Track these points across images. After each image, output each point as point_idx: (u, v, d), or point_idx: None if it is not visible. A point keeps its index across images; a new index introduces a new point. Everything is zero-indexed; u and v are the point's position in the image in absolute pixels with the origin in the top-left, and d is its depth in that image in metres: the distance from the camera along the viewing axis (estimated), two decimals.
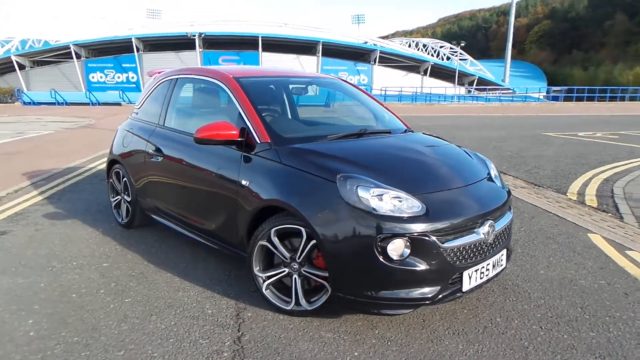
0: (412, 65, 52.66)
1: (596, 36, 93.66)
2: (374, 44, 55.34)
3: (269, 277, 2.85)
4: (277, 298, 2.85)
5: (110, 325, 2.72)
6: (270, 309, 2.89)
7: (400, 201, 2.51)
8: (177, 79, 3.95)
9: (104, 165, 7.76)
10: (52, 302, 3.00)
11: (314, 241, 2.63)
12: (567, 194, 6.07)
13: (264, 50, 45.97)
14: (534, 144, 11.01)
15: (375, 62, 50.22)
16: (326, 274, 2.65)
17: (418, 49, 66.38)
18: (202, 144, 3.09)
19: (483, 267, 2.71)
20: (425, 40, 76.16)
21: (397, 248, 2.42)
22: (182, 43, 44.29)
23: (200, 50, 44.00)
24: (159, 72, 4.42)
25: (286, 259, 2.76)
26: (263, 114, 3.17)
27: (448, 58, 66.28)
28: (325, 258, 2.56)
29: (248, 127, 3.06)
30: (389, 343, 2.54)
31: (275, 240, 2.76)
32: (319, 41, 47.60)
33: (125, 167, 4.29)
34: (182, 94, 3.89)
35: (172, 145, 3.66)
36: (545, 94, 53.82)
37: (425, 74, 52.51)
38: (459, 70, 51.10)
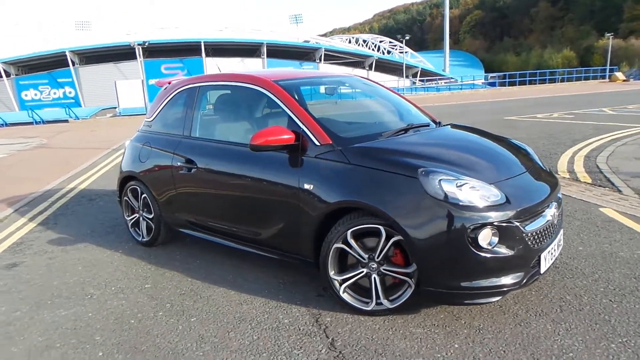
0: (356, 61, 53.49)
1: (524, 23, 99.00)
2: (316, 42, 55.73)
3: (345, 280, 2.81)
4: (356, 300, 2.81)
5: (190, 347, 2.59)
6: (349, 312, 2.84)
7: (482, 191, 2.55)
8: (199, 87, 3.80)
9: (85, 184, 7.40)
10: (113, 331, 2.80)
11: (394, 239, 2.62)
12: (559, 173, 6.38)
13: (207, 55, 45.10)
14: (502, 128, 11.48)
15: (320, 60, 50.55)
16: (407, 270, 2.65)
17: (359, 45, 67.52)
18: (258, 150, 2.99)
19: (552, 248, 2.80)
20: (364, 36, 77.62)
21: (486, 237, 2.46)
22: (121, 53, 42.60)
23: (141, 59, 42.46)
24: (169, 82, 4.24)
25: (364, 259, 2.73)
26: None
27: (389, 52, 67.89)
28: (414, 253, 2.55)
29: (303, 130, 2.99)
30: (481, 332, 2.58)
31: (352, 241, 2.72)
32: (263, 43, 47.31)
33: (144, 182, 4.08)
34: (208, 102, 3.74)
35: (208, 155, 3.51)
36: (483, 80, 56.34)
37: (370, 68, 53.47)
38: (399, 63, 52.39)
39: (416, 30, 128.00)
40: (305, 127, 3.00)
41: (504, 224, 2.49)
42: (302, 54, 51.16)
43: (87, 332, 2.82)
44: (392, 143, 3.01)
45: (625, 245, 3.68)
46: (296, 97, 3.16)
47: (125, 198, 4.36)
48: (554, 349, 2.38)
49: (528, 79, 42.18)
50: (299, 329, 2.71)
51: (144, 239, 4.25)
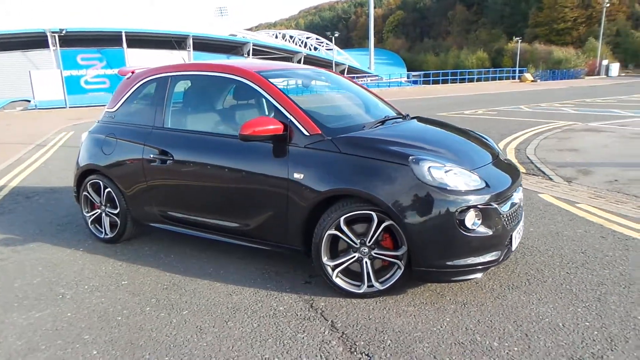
0: (285, 57, 53.38)
1: (442, 25, 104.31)
2: (244, 37, 54.99)
3: (338, 265, 2.92)
4: (348, 284, 2.93)
5: (190, 338, 2.57)
6: (340, 296, 2.96)
7: (464, 177, 2.77)
8: (170, 76, 3.70)
9: (16, 182, 6.84)
10: (102, 329, 2.70)
11: (385, 223, 2.77)
12: None
13: (129, 46, 42.78)
14: None
15: (249, 54, 49.87)
16: (397, 253, 2.81)
17: (285, 40, 67.58)
18: (247, 140, 3.01)
19: (519, 228, 3.10)
20: (291, 32, 77.73)
21: (471, 218, 2.68)
22: (31, 41, 39.17)
23: (54, 48, 39.34)
24: (132, 72, 4.08)
25: (356, 244, 2.86)
26: None
27: (315, 49, 68.62)
28: (407, 236, 2.71)
29: (291, 120, 3.05)
30: (466, 306, 2.81)
31: (345, 227, 2.83)
32: (189, 35, 45.76)
33: (108, 176, 3.90)
34: (182, 92, 3.66)
35: (186, 147, 3.45)
36: (406, 79, 58.66)
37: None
38: (329, 60, 53.13)
39: (342, 28, 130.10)
40: (293, 117, 3.06)
41: (485, 207, 2.73)
42: (229, 47, 50.17)
43: (72, 331, 2.69)
44: (377, 133, 3.16)
45: (568, 225, 4.14)
46: (281, 89, 3.21)
47: (85, 193, 4.13)
48: (532, 316, 2.66)
49: (450, 78, 44.62)
50: (297, 314, 2.78)
51: (107, 236, 4.07)
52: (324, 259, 2.92)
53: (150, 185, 3.67)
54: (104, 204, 4.03)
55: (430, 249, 2.71)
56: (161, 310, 2.89)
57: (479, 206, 2.70)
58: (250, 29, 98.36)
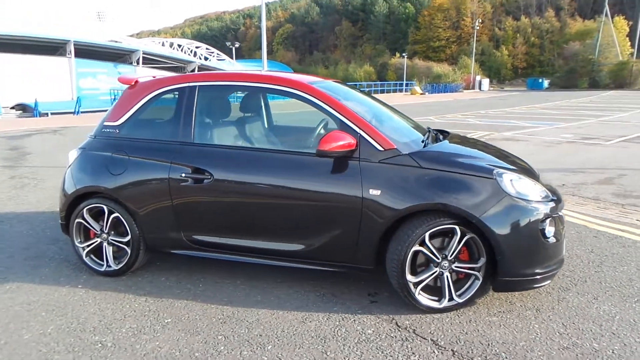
0: (178, 66, 51.35)
1: (330, 39, 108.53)
2: (129, 44, 51.79)
3: (420, 282, 2.86)
4: (428, 299, 2.89)
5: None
6: (418, 312, 2.91)
7: (537, 188, 2.91)
8: (198, 86, 3.34)
9: None
10: None
11: (467, 237, 2.80)
12: None
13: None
14: None
15: (138, 63, 47.00)
16: (476, 265, 2.85)
17: (174, 49, 65.04)
18: (324, 157, 2.84)
19: None
20: (180, 41, 75.01)
21: (549, 226, 2.82)
22: None
23: None
24: (136, 80, 3.60)
25: (438, 259, 2.84)
26: None
27: (206, 58, 67.05)
28: (496, 247, 2.75)
29: (361, 135, 2.93)
30: (540, 311, 2.93)
31: (429, 243, 2.80)
32: (70, 40, 41.76)
33: (118, 199, 3.39)
34: (214, 104, 3.32)
35: (231, 164, 3.13)
36: None
37: None
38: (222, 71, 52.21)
39: (231, 39, 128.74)
40: (364, 132, 2.95)
41: (556, 215, 2.89)
42: (116, 55, 46.79)
43: None
44: (447, 147, 3.19)
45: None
46: (344, 102, 3.08)
47: (79, 220, 3.54)
48: (592, 314, 2.87)
49: None
50: (391, 337, 2.67)
51: (110, 268, 3.52)
52: (408, 276, 2.84)
53: (177, 208, 3.26)
54: (106, 231, 3.50)
55: (517, 258, 2.78)
56: (240, 348, 2.58)
57: (554, 215, 2.85)
58: (131, 36, 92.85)
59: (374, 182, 2.86)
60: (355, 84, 48.30)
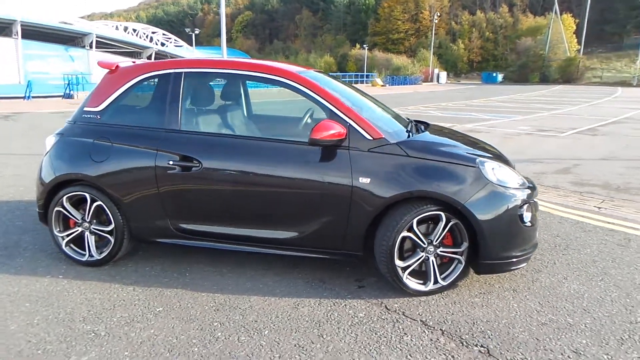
0: (133, 51, 49.59)
1: (290, 28, 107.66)
2: (82, 27, 49.53)
3: (408, 266, 2.99)
4: (415, 283, 3.03)
5: (299, 359, 2.40)
6: (405, 295, 3.04)
7: (515, 176, 3.09)
8: (184, 72, 3.30)
9: None
10: None
11: (452, 222, 2.94)
12: None
13: None
14: None
15: (91, 47, 45.04)
16: (459, 249, 3.01)
17: (128, 34, 62.74)
18: (316, 145, 2.89)
19: None
20: (135, 25, 72.46)
21: (527, 211, 3.01)
22: None
23: None
24: (116, 65, 3.52)
25: (424, 244, 2.97)
26: None
27: (163, 44, 65.06)
28: (478, 232, 2.90)
29: (350, 125, 3.01)
30: (517, 292, 3.13)
31: (416, 229, 2.92)
32: (16, 20, 39.42)
33: (101, 187, 3.32)
34: (201, 90, 3.29)
35: (221, 152, 3.13)
36: None
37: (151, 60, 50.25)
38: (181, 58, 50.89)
39: (188, 24, 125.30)
40: (353, 121, 3.02)
41: (532, 201, 3.09)
42: (67, 38, 44.62)
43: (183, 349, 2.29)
44: (431, 137, 3.31)
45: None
46: (332, 91, 3.14)
47: (58, 209, 3.45)
48: (564, 293, 3.10)
49: None
50: (383, 319, 2.78)
51: (92, 258, 3.46)
52: (397, 262, 2.96)
53: (164, 196, 3.24)
54: (88, 220, 3.42)
55: (498, 242, 2.95)
56: (237, 334, 2.62)
57: (530, 201, 3.04)
58: (82, 18, 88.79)
59: (364, 171, 2.95)
60: (336, 75, 48.72)
